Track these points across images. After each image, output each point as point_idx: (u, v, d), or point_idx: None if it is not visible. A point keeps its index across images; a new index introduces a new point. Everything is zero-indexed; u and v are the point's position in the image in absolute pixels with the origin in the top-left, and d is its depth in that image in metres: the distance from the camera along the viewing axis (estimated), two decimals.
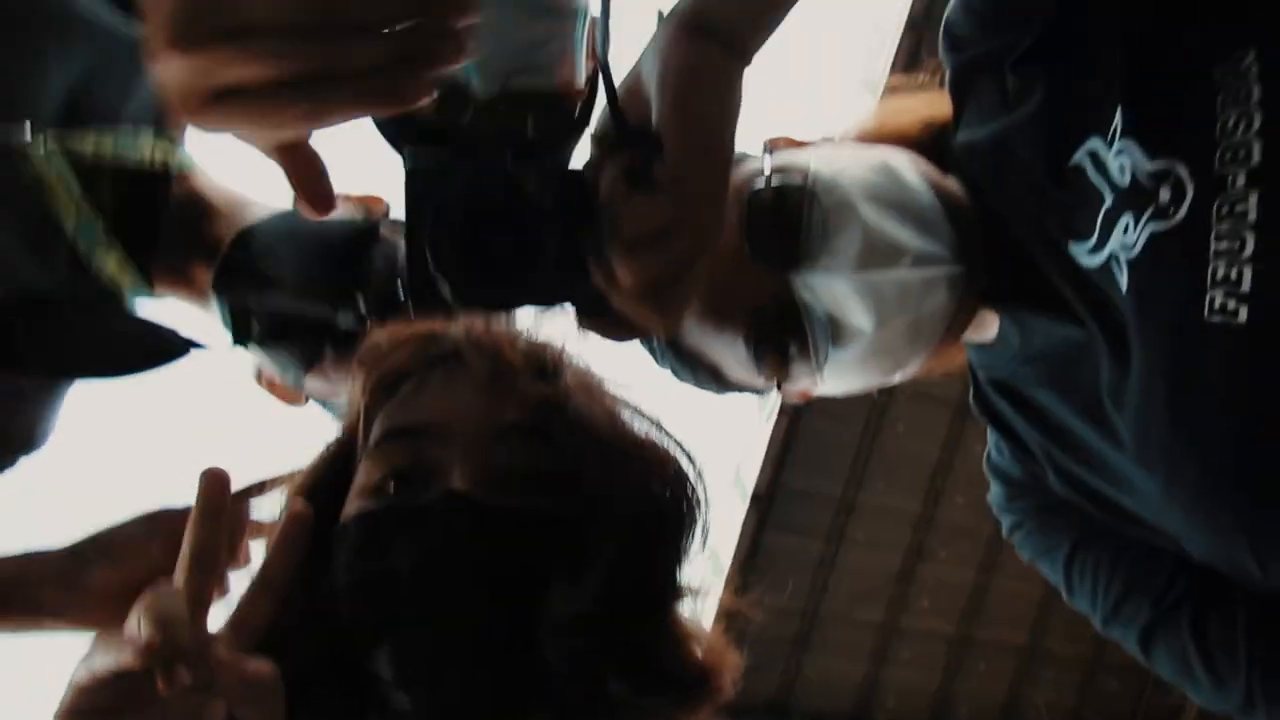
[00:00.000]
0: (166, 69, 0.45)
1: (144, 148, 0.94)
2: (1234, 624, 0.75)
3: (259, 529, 0.88)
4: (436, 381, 0.69)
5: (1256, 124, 0.63)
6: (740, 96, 0.62)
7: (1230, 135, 0.64)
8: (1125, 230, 0.68)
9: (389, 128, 0.76)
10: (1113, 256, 0.70)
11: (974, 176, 0.81)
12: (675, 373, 0.88)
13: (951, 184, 0.81)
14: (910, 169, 0.79)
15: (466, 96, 0.71)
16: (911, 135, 0.86)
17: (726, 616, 0.74)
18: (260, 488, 0.87)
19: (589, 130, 0.66)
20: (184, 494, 0.57)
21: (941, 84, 0.86)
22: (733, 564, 3.77)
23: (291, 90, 0.45)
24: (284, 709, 0.56)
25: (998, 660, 4.40)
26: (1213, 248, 0.64)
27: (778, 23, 0.64)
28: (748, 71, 0.62)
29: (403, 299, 0.85)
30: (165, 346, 0.72)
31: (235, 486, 0.58)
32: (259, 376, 1.13)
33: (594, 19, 0.76)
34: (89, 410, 1.06)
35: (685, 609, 0.69)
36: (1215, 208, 0.64)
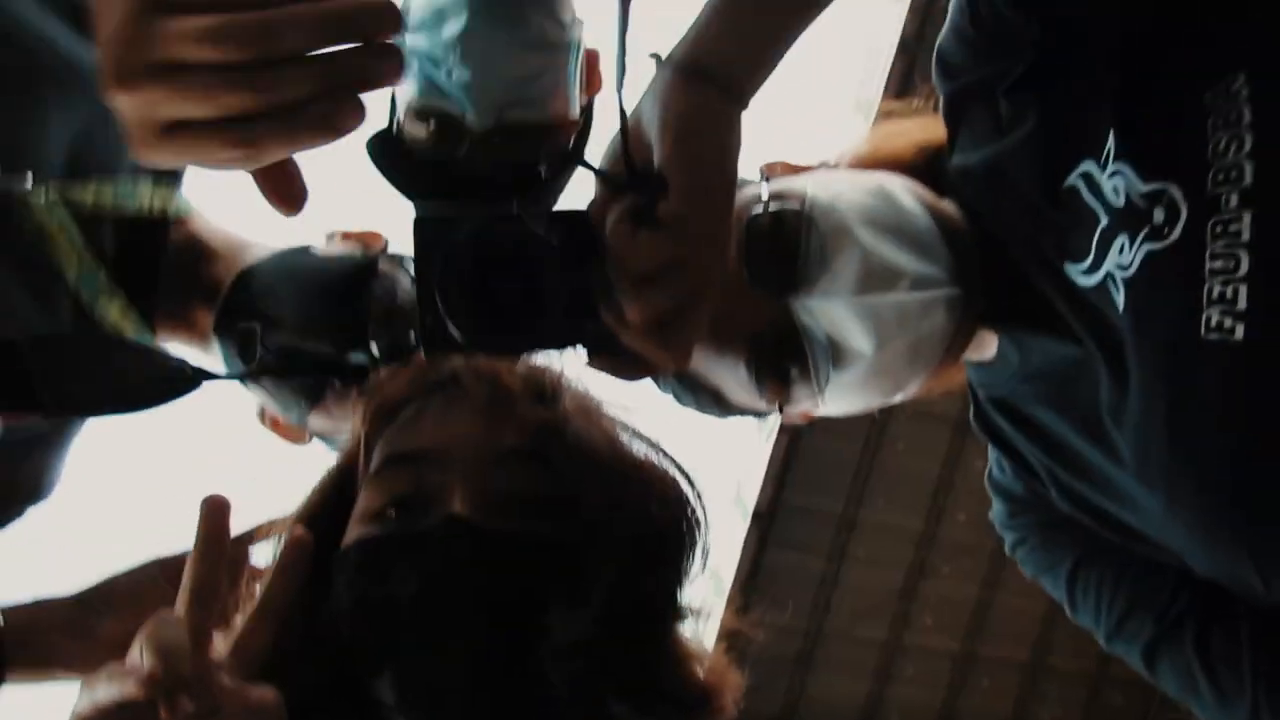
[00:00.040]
0: (118, 105, 0.48)
1: (142, 195, 0.94)
2: (1238, 639, 0.75)
3: (257, 574, 0.88)
4: (436, 407, 0.69)
5: (1248, 145, 0.64)
6: (739, 138, 0.64)
7: (1222, 157, 0.65)
8: (1121, 250, 0.69)
9: (386, 161, 0.76)
10: (1109, 276, 0.70)
11: (969, 200, 0.81)
12: (677, 397, 0.88)
13: (948, 207, 0.81)
14: (906, 193, 0.80)
15: (462, 130, 0.71)
16: (906, 159, 0.87)
17: (728, 636, 0.74)
18: (259, 532, 0.86)
19: (587, 166, 0.67)
20: (188, 534, 0.58)
21: (935, 108, 0.87)
22: (734, 582, 3.76)
23: (229, 124, 0.47)
24: None
25: (1002, 676, 4.37)
26: (1208, 266, 0.65)
27: (774, 66, 0.65)
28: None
29: (414, 343, 0.85)
30: (179, 378, 0.72)
31: (236, 521, 0.59)
32: (262, 415, 1.12)
33: (589, 52, 0.76)
34: (93, 453, 1.07)
35: (687, 629, 0.69)
36: (1210, 227, 0.65)
